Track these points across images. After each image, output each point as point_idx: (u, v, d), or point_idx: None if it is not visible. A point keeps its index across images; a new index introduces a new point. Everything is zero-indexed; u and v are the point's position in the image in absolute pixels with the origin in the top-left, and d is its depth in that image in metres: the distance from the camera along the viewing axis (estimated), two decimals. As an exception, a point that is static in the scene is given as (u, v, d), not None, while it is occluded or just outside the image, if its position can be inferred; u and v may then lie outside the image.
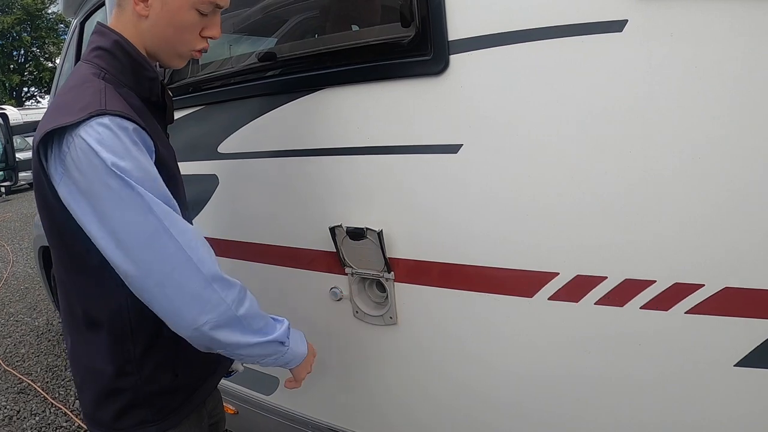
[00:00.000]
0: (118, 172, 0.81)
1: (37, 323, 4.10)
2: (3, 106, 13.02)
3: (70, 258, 0.96)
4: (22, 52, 26.63)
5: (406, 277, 1.25)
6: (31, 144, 1.01)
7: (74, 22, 2.65)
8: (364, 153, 1.24)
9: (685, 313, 0.92)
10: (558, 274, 1.03)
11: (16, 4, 24.84)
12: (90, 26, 2.43)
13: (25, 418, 2.75)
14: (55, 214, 0.90)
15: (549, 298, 1.05)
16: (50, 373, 3.23)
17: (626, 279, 0.97)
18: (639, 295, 0.96)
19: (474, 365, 1.21)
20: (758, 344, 0.88)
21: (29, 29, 25.97)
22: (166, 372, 1.01)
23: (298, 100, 1.33)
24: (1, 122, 3.33)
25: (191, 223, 1.13)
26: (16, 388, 3.07)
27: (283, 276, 1.50)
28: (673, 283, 0.93)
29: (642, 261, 0.95)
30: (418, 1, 1.09)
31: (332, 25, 1.48)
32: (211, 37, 1.02)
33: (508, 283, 1.10)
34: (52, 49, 26.86)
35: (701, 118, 0.86)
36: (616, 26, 0.89)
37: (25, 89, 27.72)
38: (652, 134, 0.90)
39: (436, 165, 1.13)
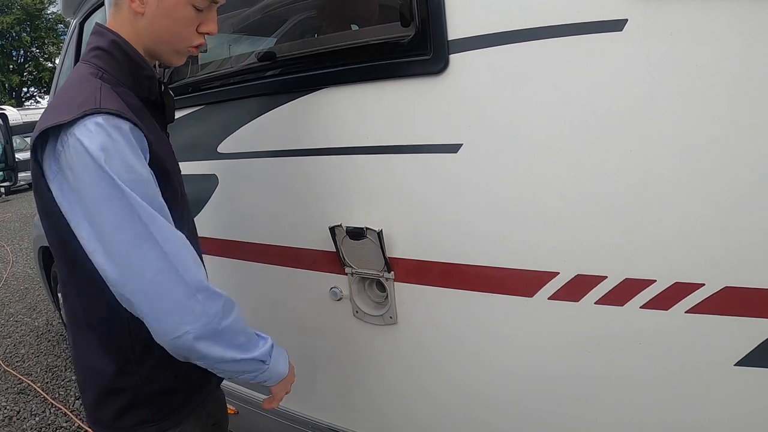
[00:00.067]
0: (108, 173, 0.81)
1: (36, 323, 4.10)
2: (3, 107, 13.02)
3: (70, 258, 0.96)
4: (22, 52, 26.63)
5: (406, 276, 1.25)
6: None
7: (73, 22, 2.65)
8: (364, 153, 1.24)
9: (686, 312, 0.92)
10: (558, 273, 1.03)
11: (16, 4, 24.83)
12: (89, 26, 2.43)
13: (25, 418, 2.75)
14: (54, 214, 0.90)
15: (549, 298, 1.05)
16: (50, 374, 3.23)
17: (626, 278, 0.97)
18: (639, 294, 0.96)
19: (474, 365, 1.21)
20: (758, 343, 0.88)
21: (29, 29, 25.97)
22: (166, 372, 1.01)
23: (298, 100, 1.33)
24: (1, 122, 3.33)
25: (193, 223, 1.14)
26: (16, 389, 3.07)
27: (283, 276, 1.50)
28: (673, 282, 0.93)
29: (642, 260, 0.95)
30: (418, 0, 1.08)
31: (332, 24, 1.48)
32: (208, 33, 1.01)
33: (509, 282, 1.10)
34: (51, 49, 26.86)
35: (701, 117, 0.86)
36: (616, 25, 0.89)
37: (25, 89, 27.72)
38: (652, 134, 0.90)
39: (436, 164, 1.13)
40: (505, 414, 1.20)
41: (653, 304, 0.95)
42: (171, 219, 0.90)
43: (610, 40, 0.90)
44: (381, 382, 1.40)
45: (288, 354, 1.07)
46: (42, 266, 3.41)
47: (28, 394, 2.99)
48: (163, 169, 0.94)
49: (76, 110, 0.83)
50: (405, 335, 1.30)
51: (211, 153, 1.57)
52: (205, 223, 1.61)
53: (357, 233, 1.26)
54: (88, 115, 0.82)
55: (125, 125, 0.85)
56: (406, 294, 1.27)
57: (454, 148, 1.10)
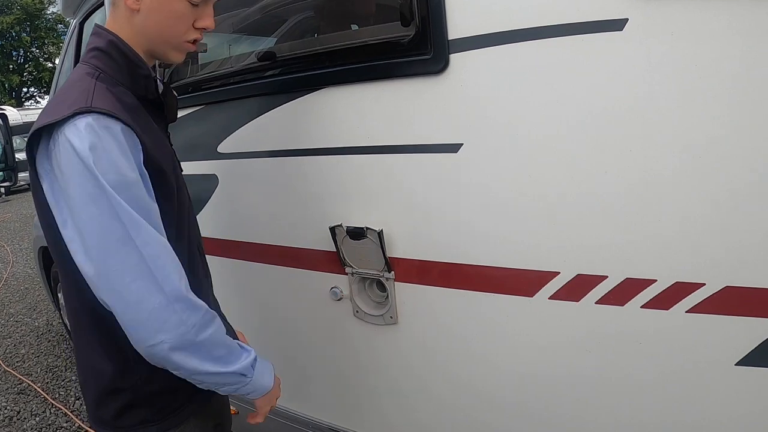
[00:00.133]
0: (94, 173, 0.81)
1: (37, 324, 4.10)
2: (3, 107, 13.02)
3: (68, 257, 0.96)
4: (22, 52, 26.63)
5: (406, 276, 1.25)
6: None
7: (73, 23, 2.65)
8: (364, 152, 1.24)
9: (686, 312, 0.92)
10: (558, 273, 1.03)
11: (16, 4, 24.83)
12: (89, 26, 2.43)
13: (25, 418, 2.75)
14: (51, 213, 0.90)
15: (550, 298, 1.05)
16: (50, 374, 3.23)
17: (627, 278, 0.97)
18: (640, 294, 0.96)
19: (475, 365, 1.21)
20: (759, 343, 0.88)
21: (29, 29, 25.97)
22: (166, 372, 1.01)
23: (298, 100, 1.33)
24: (1, 122, 3.33)
25: (195, 224, 1.13)
26: (16, 389, 3.07)
27: (283, 276, 1.50)
28: (673, 282, 0.93)
29: (642, 260, 0.95)
30: (418, 0, 1.08)
31: (332, 24, 1.48)
32: (204, 28, 1.01)
33: (509, 282, 1.10)
34: (51, 49, 26.86)
35: (701, 117, 0.86)
36: (616, 25, 0.89)
37: (25, 90, 27.72)
38: (653, 134, 0.90)
39: (436, 164, 1.13)
40: (505, 414, 1.20)
41: (654, 303, 0.95)
42: (160, 222, 0.89)
43: (610, 39, 0.90)
44: (381, 382, 1.40)
45: (274, 367, 1.05)
46: (42, 266, 3.41)
47: (29, 395, 2.99)
48: (159, 169, 0.94)
49: (67, 110, 0.83)
50: (405, 335, 1.30)
51: (211, 153, 1.57)
52: (206, 223, 1.60)
53: (357, 233, 1.26)
54: (78, 114, 0.83)
55: (116, 125, 0.85)
56: (406, 294, 1.27)
57: (454, 148, 1.10)
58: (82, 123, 0.82)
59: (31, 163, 0.90)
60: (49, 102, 0.96)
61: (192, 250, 1.07)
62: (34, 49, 27.02)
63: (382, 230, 1.23)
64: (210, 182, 1.61)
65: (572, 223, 1.00)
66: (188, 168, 1.13)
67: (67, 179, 0.83)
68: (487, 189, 1.08)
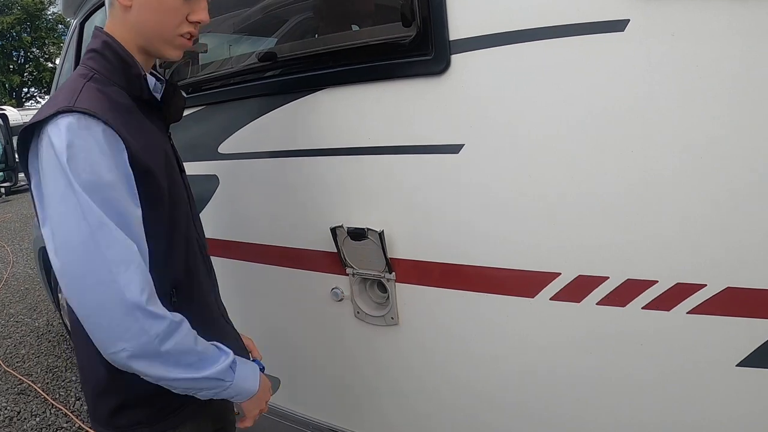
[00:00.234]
0: (66, 172, 0.81)
1: (37, 324, 4.10)
2: (3, 107, 13.02)
3: None
4: (22, 52, 26.63)
5: (407, 277, 1.25)
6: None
7: (74, 23, 2.65)
8: (365, 153, 1.24)
9: (687, 313, 0.92)
10: (560, 274, 1.03)
11: (16, 5, 24.83)
12: (89, 27, 2.43)
13: (25, 419, 2.75)
14: None
15: (551, 299, 1.05)
16: (50, 374, 3.23)
17: (628, 279, 0.97)
18: (641, 295, 0.96)
19: (475, 365, 1.21)
20: (760, 344, 0.88)
21: (29, 30, 25.97)
22: None
23: (299, 101, 1.33)
24: (1, 123, 3.34)
25: (194, 224, 1.12)
26: (16, 389, 3.06)
27: (283, 276, 1.50)
28: (674, 283, 0.93)
29: (643, 261, 0.95)
30: (419, 0, 1.08)
31: (332, 24, 1.48)
32: (198, 22, 1.01)
33: (510, 283, 1.10)
34: (52, 49, 26.85)
35: (701, 117, 0.86)
36: (617, 26, 0.89)
37: (25, 90, 27.73)
38: (653, 134, 0.90)
39: (437, 165, 1.13)
40: (506, 414, 1.20)
41: (655, 304, 0.95)
42: (136, 226, 0.87)
43: (611, 40, 0.90)
44: (382, 382, 1.40)
45: (264, 368, 1.04)
46: (42, 267, 3.41)
47: (29, 395, 2.99)
48: (146, 170, 0.92)
49: (52, 109, 0.84)
50: (406, 336, 1.30)
51: (211, 153, 1.57)
52: (206, 224, 1.60)
53: (358, 234, 1.26)
54: (60, 113, 0.83)
55: (98, 126, 0.85)
56: (407, 295, 1.27)
57: (455, 149, 1.10)
58: (64, 122, 0.83)
59: (22, 162, 0.91)
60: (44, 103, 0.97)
61: (191, 250, 1.06)
62: (34, 50, 27.02)
63: (383, 231, 1.23)
64: (211, 183, 1.61)
65: (573, 223, 1.00)
66: (189, 168, 1.13)
67: (45, 177, 0.84)
68: (488, 189, 1.08)
